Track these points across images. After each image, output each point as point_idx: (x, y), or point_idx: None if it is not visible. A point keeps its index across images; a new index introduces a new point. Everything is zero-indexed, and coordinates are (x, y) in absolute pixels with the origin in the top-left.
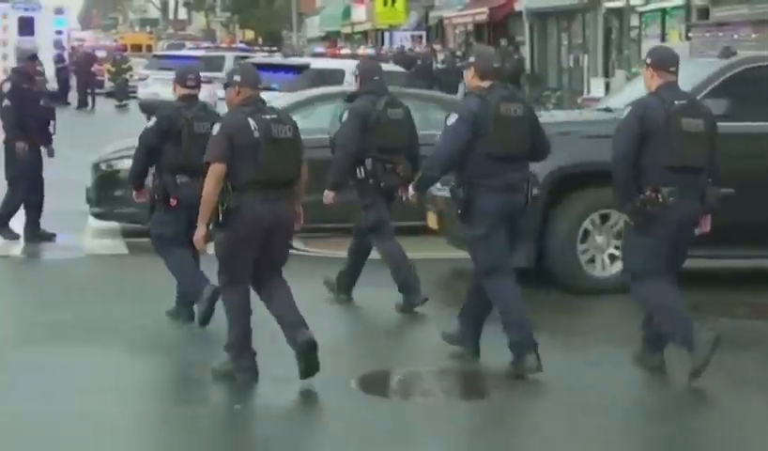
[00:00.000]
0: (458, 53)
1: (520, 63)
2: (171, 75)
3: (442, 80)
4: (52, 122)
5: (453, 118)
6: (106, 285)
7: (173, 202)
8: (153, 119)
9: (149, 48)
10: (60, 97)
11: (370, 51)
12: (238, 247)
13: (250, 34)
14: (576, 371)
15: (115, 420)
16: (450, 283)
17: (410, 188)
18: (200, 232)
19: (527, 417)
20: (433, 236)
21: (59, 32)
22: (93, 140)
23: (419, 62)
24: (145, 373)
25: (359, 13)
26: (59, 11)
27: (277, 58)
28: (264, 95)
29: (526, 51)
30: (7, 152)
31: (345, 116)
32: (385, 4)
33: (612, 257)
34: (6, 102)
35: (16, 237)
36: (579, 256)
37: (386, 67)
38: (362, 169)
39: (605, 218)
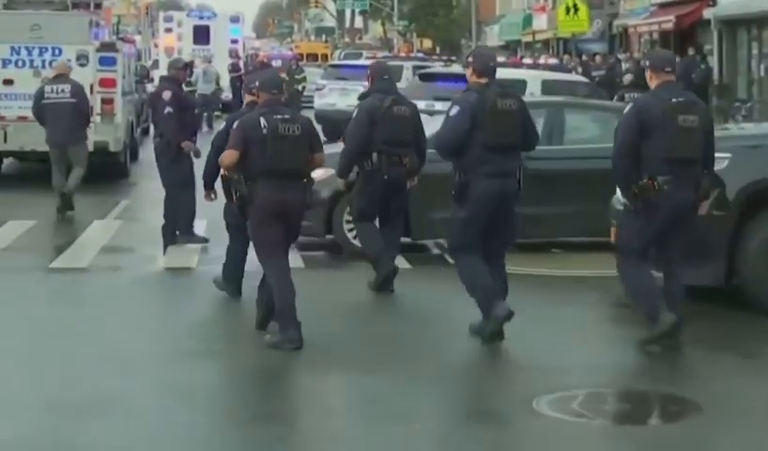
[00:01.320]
0: (644, 62)
1: (708, 73)
2: (348, 85)
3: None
4: (198, 131)
5: (454, 110)
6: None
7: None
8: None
9: (325, 57)
10: (235, 105)
11: (553, 60)
12: (260, 228)
13: (427, 43)
14: None
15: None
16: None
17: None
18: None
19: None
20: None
21: (234, 41)
22: None
23: (603, 72)
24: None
25: (540, 21)
26: (235, 20)
27: (456, 68)
28: (439, 105)
29: (714, 60)
30: (165, 158)
31: (355, 112)
32: (568, 12)
33: None
34: (168, 109)
35: (205, 240)
36: None
37: (569, 77)
38: (369, 161)
39: None
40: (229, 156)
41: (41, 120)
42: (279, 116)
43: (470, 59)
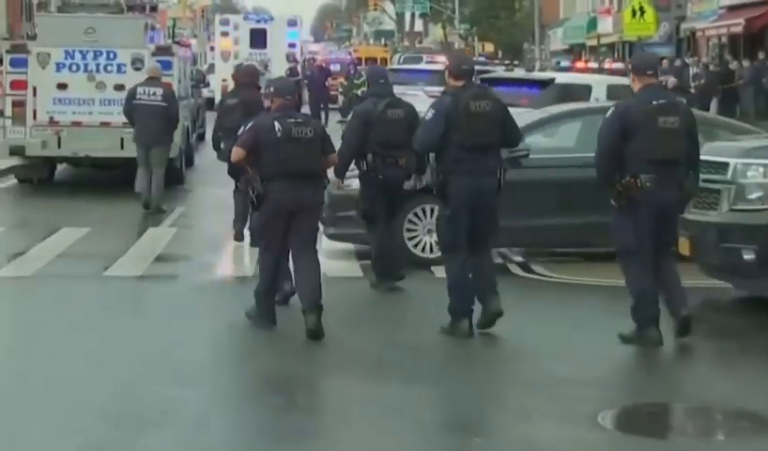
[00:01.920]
0: (712, 66)
1: None
2: (407, 90)
3: (694, 95)
4: None
5: (430, 113)
6: (346, 308)
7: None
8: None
9: (384, 61)
10: None
11: (617, 65)
12: (268, 223)
13: (489, 47)
14: None
15: None
16: (702, 314)
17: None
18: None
19: None
20: (685, 263)
21: (292, 45)
22: None
23: (670, 76)
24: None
25: (605, 24)
26: (292, 23)
27: (519, 72)
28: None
29: None
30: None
31: (350, 117)
32: (634, 15)
33: None
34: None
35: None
36: None
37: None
38: (364, 162)
39: None
40: (236, 153)
41: (131, 120)
42: (292, 120)
43: (447, 62)
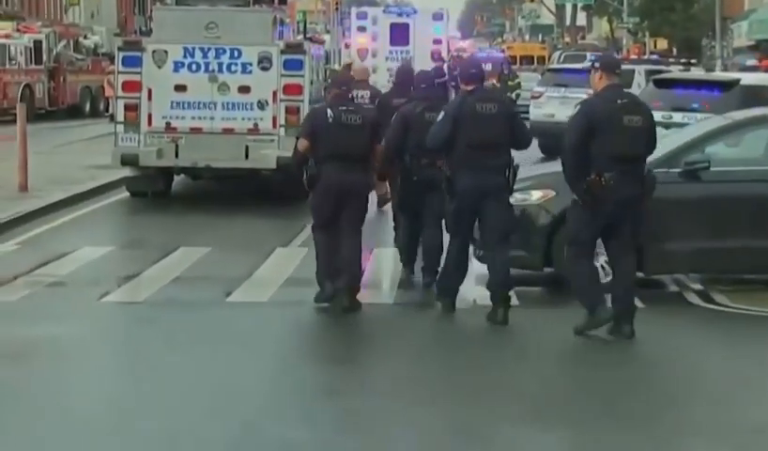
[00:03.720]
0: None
1: None
2: (568, 93)
3: None
4: None
5: (440, 115)
6: (500, 340)
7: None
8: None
9: (542, 60)
10: None
11: None
12: (320, 202)
13: (662, 43)
14: None
15: None
16: None
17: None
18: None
19: None
20: None
21: (437, 41)
22: None
23: None
24: None
25: None
26: (438, 17)
27: (697, 72)
28: (678, 116)
29: None
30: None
31: (393, 118)
32: None
33: None
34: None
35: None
36: None
37: None
38: (403, 163)
39: None
40: (301, 144)
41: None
42: (344, 108)
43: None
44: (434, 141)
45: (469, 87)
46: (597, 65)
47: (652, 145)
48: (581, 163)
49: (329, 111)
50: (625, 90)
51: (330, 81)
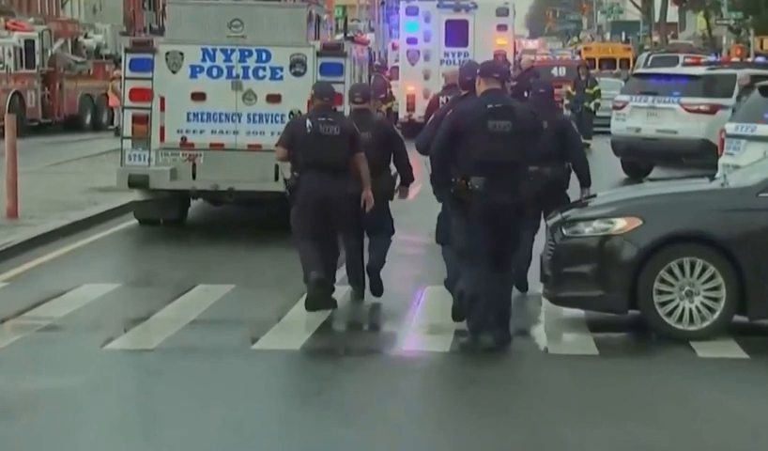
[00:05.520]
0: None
1: None
2: (657, 102)
3: None
4: None
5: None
6: (575, 396)
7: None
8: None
9: (626, 63)
10: None
11: None
12: (300, 214)
13: None
14: None
15: None
16: None
17: None
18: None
19: None
20: None
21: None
22: None
23: None
24: None
25: None
26: (502, 12)
27: None
28: None
29: None
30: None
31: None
32: None
33: None
34: None
35: None
36: None
37: None
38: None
39: None
40: (278, 152)
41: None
42: (323, 119)
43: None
44: (433, 151)
45: (464, 92)
46: (478, 72)
47: (526, 151)
48: (445, 168)
49: (308, 121)
50: (506, 96)
51: (313, 91)
